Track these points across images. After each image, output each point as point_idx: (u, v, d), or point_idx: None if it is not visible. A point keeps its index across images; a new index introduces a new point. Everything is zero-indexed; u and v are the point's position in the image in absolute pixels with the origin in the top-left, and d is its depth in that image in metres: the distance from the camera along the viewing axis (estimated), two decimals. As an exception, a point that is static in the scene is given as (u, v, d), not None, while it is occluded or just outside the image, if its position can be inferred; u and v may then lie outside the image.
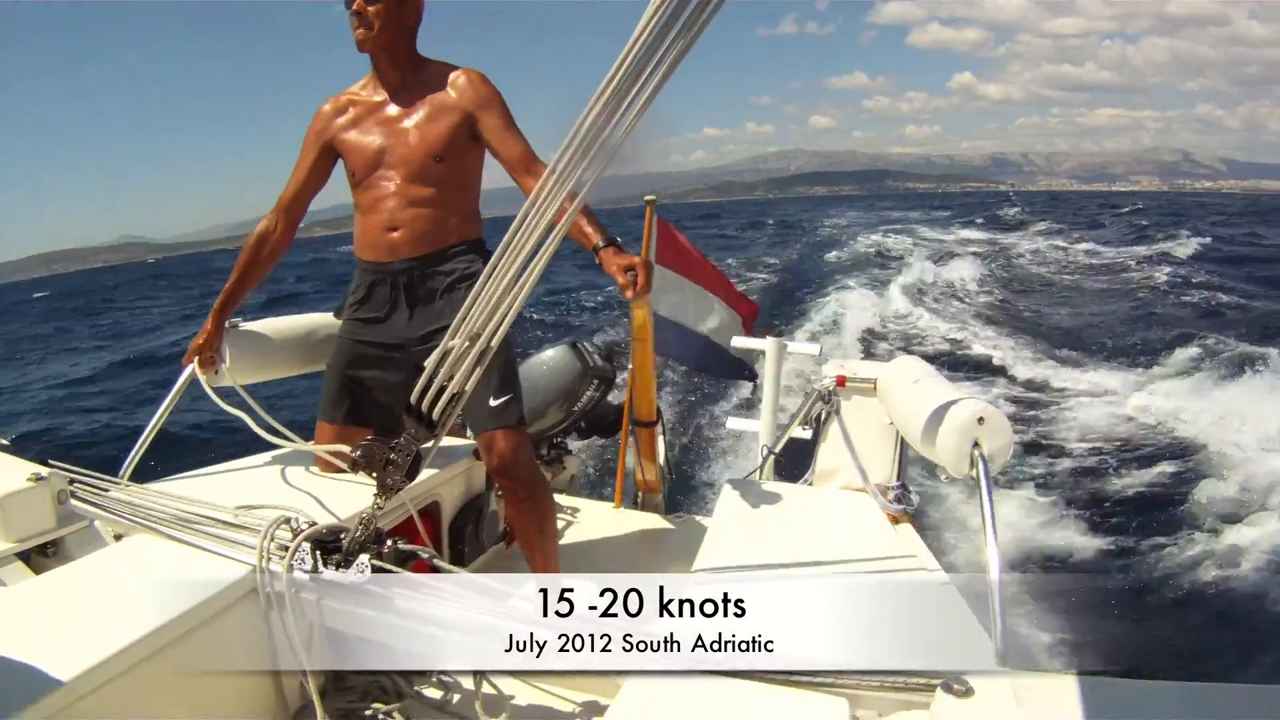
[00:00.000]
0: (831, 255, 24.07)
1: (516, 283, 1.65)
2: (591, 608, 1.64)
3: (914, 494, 2.46)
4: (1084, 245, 26.50)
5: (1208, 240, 24.54)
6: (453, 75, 2.55)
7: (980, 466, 1.76)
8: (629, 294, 2.12)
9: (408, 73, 2.57)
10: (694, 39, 1.36)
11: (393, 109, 2.57)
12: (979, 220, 39.84)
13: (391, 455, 1.78)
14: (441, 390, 1.74)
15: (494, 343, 1.69)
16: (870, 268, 20.32)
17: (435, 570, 1.86)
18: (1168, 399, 8.75)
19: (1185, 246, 23.19)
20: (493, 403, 2.43)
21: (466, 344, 1.69)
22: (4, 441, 2.73)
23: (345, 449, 2.22)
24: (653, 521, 3.54)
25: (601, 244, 2.23)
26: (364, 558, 1.79)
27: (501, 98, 2.55)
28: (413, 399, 1.75)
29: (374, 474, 1.84)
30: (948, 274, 19.14)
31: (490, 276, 1.66)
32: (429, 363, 1.74)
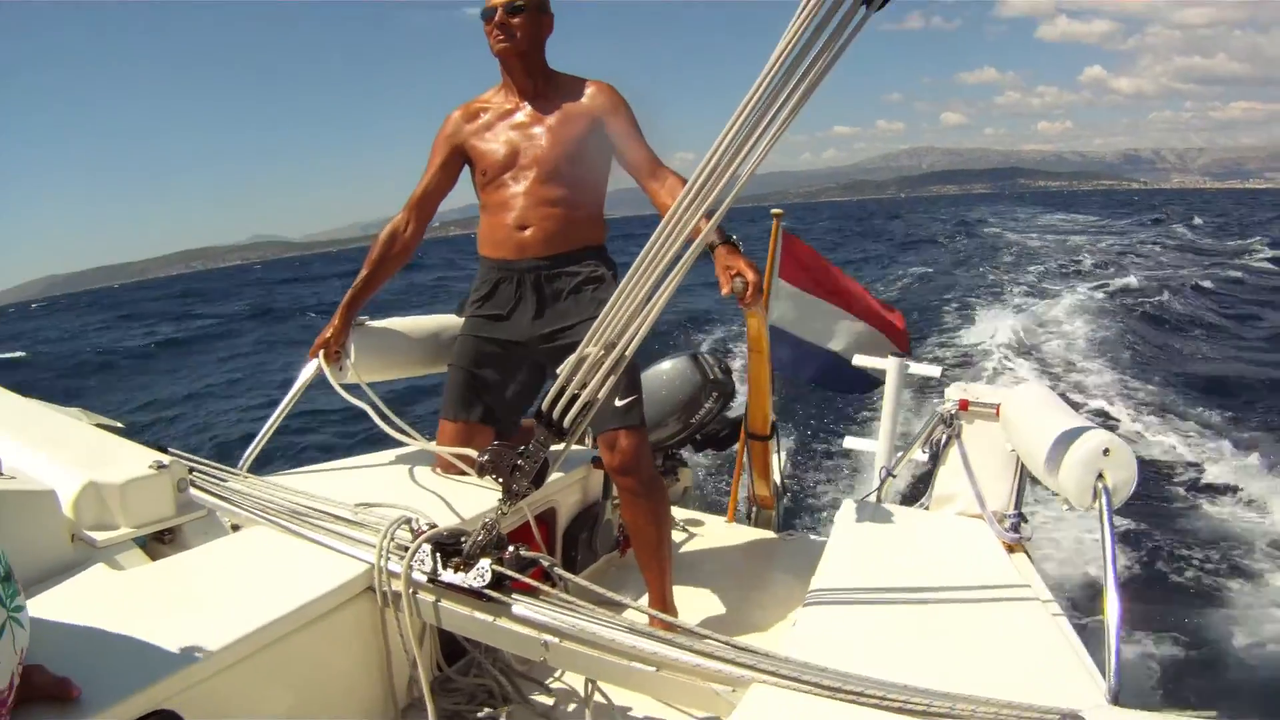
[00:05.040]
0: (969, 265, 23.37)
1: (654, 294, 1.63)
2: (705, 621, 1.61)
3: (1030, 523, 2.41)
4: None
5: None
6: (584, 85, 2.63)
7: (1103, 499, 1.72)
8: (725, 291, 2.12)
9: (540, 81, 2.65)
10: (833, 61, 1.36)
11: (524, 115, 2.64)
12: (1125, 225, 36.93)
13: (519, 461, 1.76)
14: (574, 398, 1.70)
15: (628, 352, 1.66)
16: (1006, 282, 19.56)
17: (550, 577, 1.84)
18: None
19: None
20: (618, 403, 2.44)
21: (601, 352, 1.65)
22: (119, 424, 2.77)
23: (469, 452, 2.22)
24: (765, 537, 3.50)
25: (718, 240, 2.21)
26: (485, 562, 1.78)
27: (628, 105, 2.62)
28: (544, 405, 1.73)
29: (500, 479, 1.82)
30: (1085, 297, 17.99)
31: (628, 286, 1.64)
32: (563, 370, 1.72)
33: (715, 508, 3.87)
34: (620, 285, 1.64)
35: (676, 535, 3.31)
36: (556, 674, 2.25)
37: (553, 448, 1.86)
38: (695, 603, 2.80)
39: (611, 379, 1.69)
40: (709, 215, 1.58)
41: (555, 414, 1.72)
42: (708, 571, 3.12)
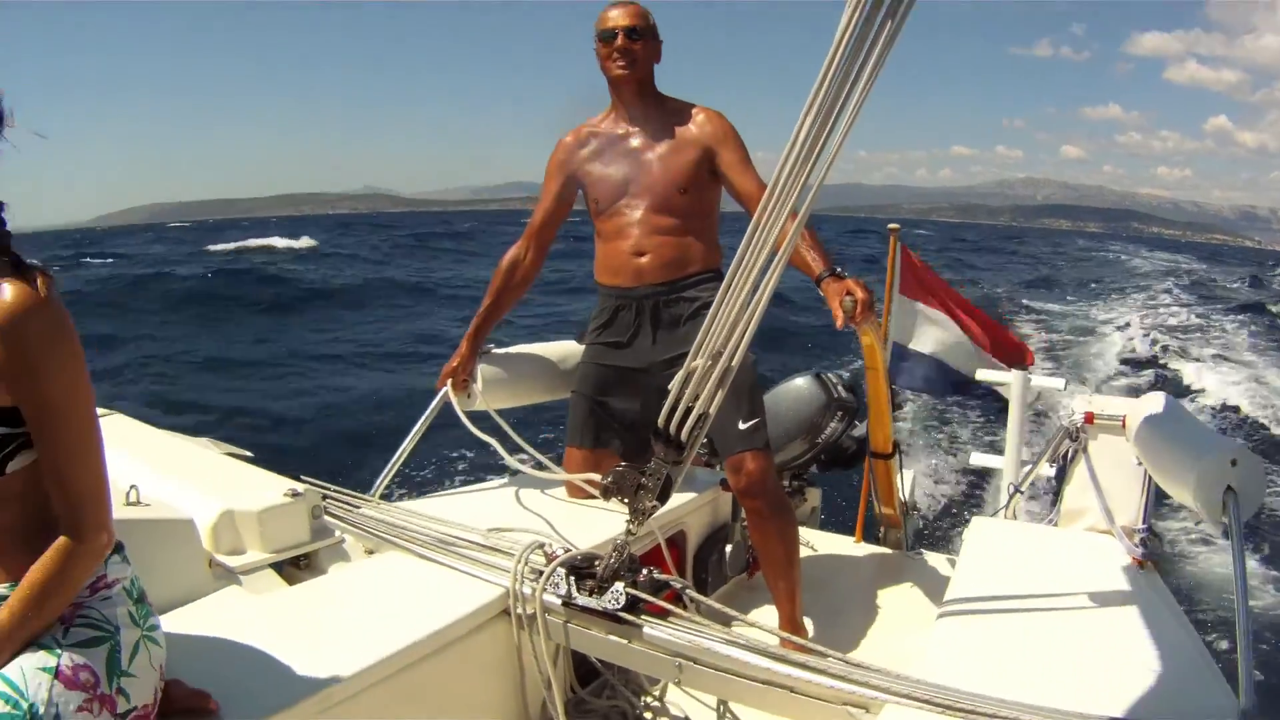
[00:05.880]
0: (1090, 288, 22.45)
1: (751, 300, 1.64)
2: (834, 642, 1.61)
3: (1161, 538, 2.34)
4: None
5: None
6: (693, 111, 2.63)
7: (1232, 512, 1.65)
8: (840, 324, 2.15)
9: (651, 107, 2.66)
10: (900, 24, 1.34)
11: (635, 141, 2.65)
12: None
13: (643, 480, 1.78)
14: (688, 412, 1.72)
15: (734, 361, 1.67)
16: (1125, 298, 18.76)
17: (682, 600, 1.85)
18: None
19: None
20: (741, 426, 2.45)
21: (709, 364, 1.67)
22: (249, 454, 2.89)
23: (596, 476, 2.25)
24: (893, 557, 3.45)
25: (825, 274, 2.26)
26: (619, 585, 1.80)
27: (738, 135, 2.61)
28: (660, 421, 1.75)
29: (625, 499, 1.84)
30: (1208, 325, 17.33)
31: (725, 296, 1.65)
32: (674, 384, 1.74)
33: (843, 527, 3.81)
34: (718, 296, 1.65)
35: (804, 555, 3.28)
36: (688, 695, 2.25)
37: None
38: (824, 623, 2.77)
39: (722, 390, 1.70)
40: (794, 214, 1.58)
41: (671, 429, 1.73)
42: (836, 592, 3.09)
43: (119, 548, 1.46)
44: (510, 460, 2.63)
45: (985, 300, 19.12)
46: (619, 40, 2.54)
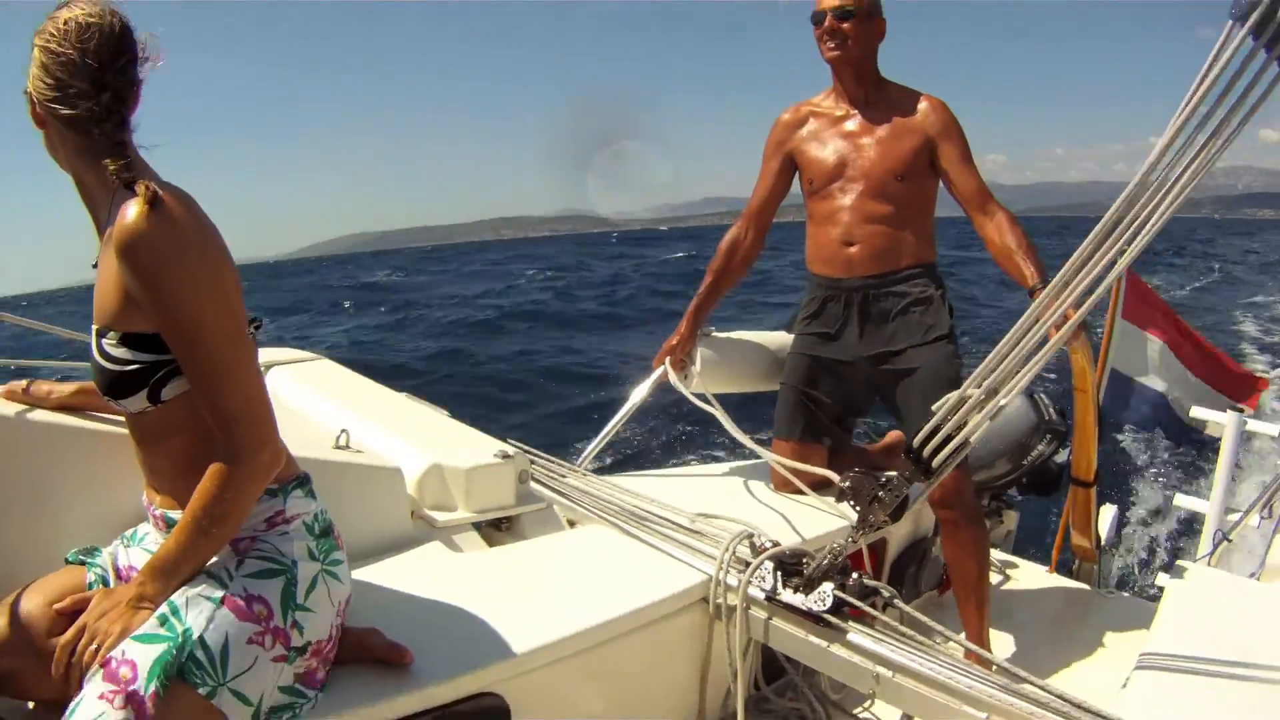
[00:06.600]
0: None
1: (1044, 345, 1.56)
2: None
3: None
4: None
5: None
6: (918, 98, 2.56)
7: None
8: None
9: (871, 90, 2.60)
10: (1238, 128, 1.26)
11: (854, 124, 2.60)
12: None
13: (879, 493, 1.73)
14: (948, 438, 1.66)
15: (1009, 399, 1.59)
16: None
17: (883, 607, 1.81)
18: None
19: None
20: None
21: (983, 395, 1.59)
22: (445, 411, 2.91)
23: (831, 474, 2.22)
24: (1085, 592, 3.29)
25: (1038, 284, 2.17)
26: (827, 586, 1.78)
27: (961, 129, 2.53)
28: (915, 442, 1.69)
29: (857, 507, 1.81)
30: None
31: (1018, 333, 1.57)
32: (938, 408, 1.67)
33: (1037, 555, 3.66)
34: (1014, 329, 1.58)
35: (994, 578, 3.17)
36: (866, 705, 2.21)
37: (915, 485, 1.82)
38: (1008, 649, 2.69)
39: (988, 423, 1.62)
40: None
41: (926, 452, 1.67)
42: (1022, 619, 2.97)
43: (302, 481, 1.47)
44: (741, 437, 2.59)
45: (1200, 309, 17.61)
46: (827, 21, 2.50)
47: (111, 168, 1.27)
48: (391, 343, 15.91)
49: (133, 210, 1.24)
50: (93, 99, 1.27)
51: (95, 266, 1.37)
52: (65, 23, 1.26)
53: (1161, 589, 2.25)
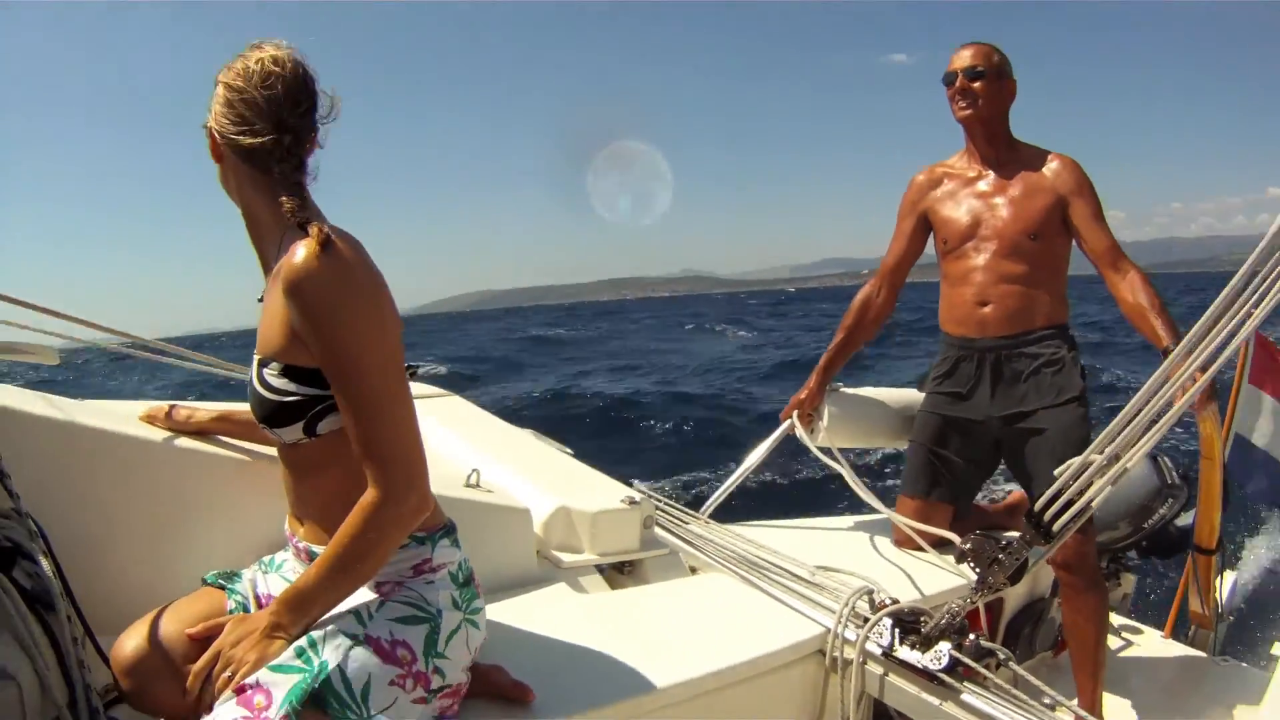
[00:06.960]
0: None
1: (1167, 411, 1.58)
2: None
3: None
4: None
5: None
6: (1048, 157, 2.59)
7: None
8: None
9: (1003, 150, 2.64)
10: None
11: (987, 184, 2.64)
12: None
13: (1000, 555, 1.76)
14: (1069, 503, 1.68)
15: (1131, 464, 1.61)
16: None
17: (998, 668, 1.81)
18: None
19: None
20: None
21: (1105, 461, 1.62)
22: (569, 450, 2.98)
23: (952, 536, 2.24)
24: (1199, 660, 3.21)
25: (1172, 346, 2.13)
26: (944, 645, 1.80)
27: (1093, 187, 2.54)
28: (1037, 505, 1.72)
29: (976, 569, 1.84)
30: None
31: (1142, 400, 1.59)
32: (1061, 473, 1.70)
33: (1152, 619, 3.56)
34: (1137, 395, 1.60)
35: (1110, 642, 3.10)
36: None
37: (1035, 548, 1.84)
38: (1120, 715, 2.65)
39: (1109, 489, 1.64)
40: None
41: (1048, 516, 1.70)
42: (1135, 685, 2.91)
43: (449, 530, 1.50)
44: (864, 493, 2.62)
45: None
46: (959, 81, 2.56)
47: (288, 205, 1.32)
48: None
49: (304, 250, 1.27)
50: (274, 136, 1.33)
51: (260, 300, 1.43)
52: (256, 62, 1.33)
53: (1276, 658, 2.18)
